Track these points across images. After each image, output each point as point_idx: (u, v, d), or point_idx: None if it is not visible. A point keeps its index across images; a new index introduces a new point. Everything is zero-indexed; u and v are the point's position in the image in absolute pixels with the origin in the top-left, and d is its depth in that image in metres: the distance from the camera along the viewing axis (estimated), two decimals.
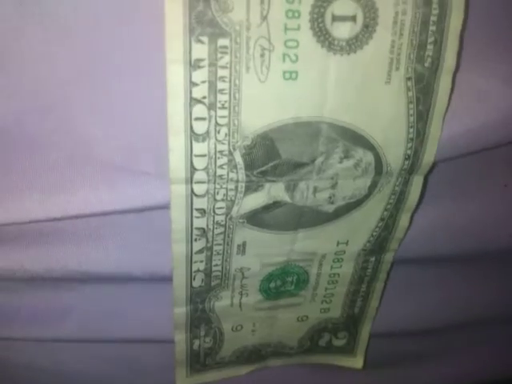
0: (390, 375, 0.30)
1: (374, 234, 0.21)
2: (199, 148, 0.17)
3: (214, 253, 0.20)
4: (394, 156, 0.18)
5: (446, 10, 0.16)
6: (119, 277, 0.22)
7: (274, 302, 0.23)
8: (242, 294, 0.22)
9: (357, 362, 0.27)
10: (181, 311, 0.22)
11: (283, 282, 0.23)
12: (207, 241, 0.20)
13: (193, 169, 0.17)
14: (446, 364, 0.31)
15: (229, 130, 0.17)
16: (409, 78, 0.17)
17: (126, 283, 0.23)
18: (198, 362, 0.25)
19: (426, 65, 0.17)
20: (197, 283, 0.21)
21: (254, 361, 0.26)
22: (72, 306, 0.24)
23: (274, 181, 0.18)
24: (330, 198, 0.19)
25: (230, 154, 0.17)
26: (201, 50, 0.15)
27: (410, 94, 0.17)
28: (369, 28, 0.16)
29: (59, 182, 0.18)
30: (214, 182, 0.18)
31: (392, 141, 0.18)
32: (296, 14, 0.16)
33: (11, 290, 0.23)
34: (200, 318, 0.23)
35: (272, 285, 0.23)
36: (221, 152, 0.17)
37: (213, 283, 0.21)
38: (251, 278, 0.22)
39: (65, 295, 0.23)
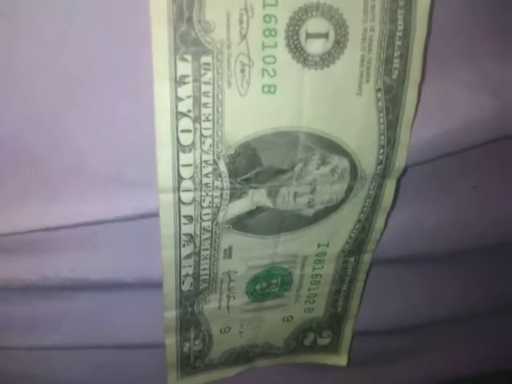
0: (376, 372, 0.31)
1: (352, 235, 0.23)
2: (185, 158, 0.18)
3: (202, 257, 0.21)
4: (368, 162, 0.20)
5: (411, 26, 0.18)
6: (111, 284, 0.23)
7: (260, 303, 0.25)
8: (229, 297, 0.24)
9: (341, 359, 0.28)
10: (171, 315, 0.23)
11: (268, 284, 0.24)
12: (195, 246, 0.21)
13: (180, 178, 0.18)
14: (429, 360, 0.32)
15: (213, 140, 0.18)
16: (378, 90, 0.19)
17: (118, 290, 0.23)
18: (189, 364, 0.26)
19: (394, 77, 0.19)
20: (186, 287, 0.22)
21: (243, 362, 0.27)
22: (65, 314, 0.24)
23: (256, 187, 0.19)
24: (310, 202, 0.21)
25: (215, 163, 0.18)
26: (185, 67, 0.17)
27: (380, 104, 0.19)
28: (340, 44, 0.18)
29: (53, 193, 0.19)
30: (200, 190, 0.19)
31: (365, 148, 0.19)
32: (273, 33, 0.17)
33: (4, 300, 0.23)
34: (189, 321, 0.24)
35: (258, 287, 0.24)
36: (206, 162, 0.18)
37: (201, 287, 0.22)
38: (238, 280, 0.23)
39: (58, 303, 0.24)
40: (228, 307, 0.24)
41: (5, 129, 0.18)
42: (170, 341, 0.24)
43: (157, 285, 0.22)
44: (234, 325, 0.25)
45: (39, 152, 0.19)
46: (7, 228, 0.19)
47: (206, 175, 0.19)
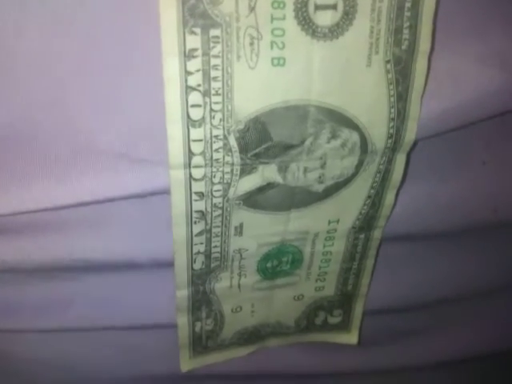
0: (387, 351, 0.31)
1: (363, 211, 0.23)
2: (196, 133, 0.18)
3: (213, 235, 0.21)
4: (378, 135, 0.20)
5: None
6: (123, 264, 0.23)
7: (271, 281, 0.25)
8: (240, 275, 0.24)
9: (351, 337, 0.28)
10: (183, 294, 0.23)
11: (279, 262, 0.24)
12: (206, 223, 0.21)
13: (190, 154, 0.18)
14: (442, 338, 0.32)
15: (223, 115, 0.18)
16: (388, 61, 0.18)
17: (129, 270, 0.24)
18: (200, 344, 0.26)
19: (403, 48, 0.18)
20: (197, 265, 0.22)
21: (254, 341, 0.27)
22: (76, 295, 0.24)
23: (267, 163, 0.19)
24: (320, 177, 0.20)
25: (225, 138, 0.18)
26: (194, 41, 0.17)
27: (390, 75, 0.19)
28: (349, 15, 0.17)
29: (63, 172, 0.19)
30: (211, 166, 0.19)
31: (375, 121, 0.19)
32: (281, 5, 0.17)
33: (14, 282, 0.24)
34: (201, 301, 0.24)
35: (269, 265, 0.24)
36: (216, 136, 0.18)
37: (212, 265, 0.22)
38: (249, 258, 0.23)
39: (68, 285, 0.24)
40: (239, 285, 0.24)
41: (13, 112, 0.18)
42: (182, 320, 0.24)
43: (168, 264, 0.22)
44: (246, 304, 0.25)
45: (48, 133, 0.19)
46: (17, 207, 0.19)
47: (217, 150, 0.19)
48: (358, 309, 0.27)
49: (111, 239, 0.22)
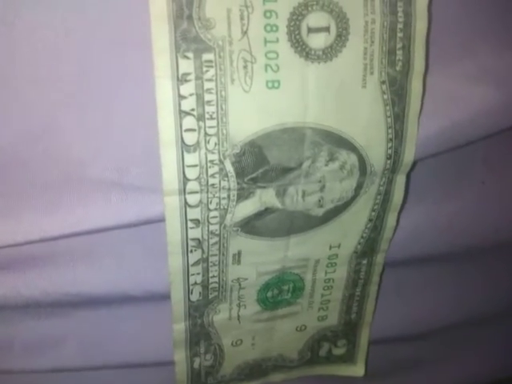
0: (393, 382, 0.30)
1: (364, 235, 0.22)
2: (190, 158, 0.18)
3: (210, 264, 0.20)
4: (377, 156, 0.19)
5: (411, 18, 0.18)
6: (115, 297, 0.22)
7: (272, 312, 0.24)
8: (239, 306, 0.23)
9: (358, 369, 0.27)
10: (180, 327, 0.22)
11: (280, 291, 0.23)
12: (203, 252, 0.20)
13: (185, 179, 0.18)
14: (449, 366, 0.31)
15: (218, 139, 0.18)
16: (383, 82, 0.18)
17: (122, 305, 0.23)
18: (199, 381, 0.25)
19: (398, 68, 0.18)
20: (194, 297, 0.21)
21: (256, 377, 0.26)
22: (67, 333, 0.23)
23: (264, 187, 0.19)
24: (319, 201, 0.20)
25: (221, 162, 0.18)
26: (187, 65, 0.16)
27: (386, 96, 0.19)
28: (342, 37, 0.17)
29: (53, 201, 0.19)
30: (207, 192, 0.18)
31: (373, 142, 0.19)
32: (274, 28, 0.17)
33: (5, 321, 0.23)
34: (199, 334, 0.23)
35: (269, 294, 0.23)
36: (212, 161, 0.18)
37: (210, 296, 0.22)
38: (248, 288, 0.22)
39: (60, 322, 0.23)
40: (239, 317, 0.23)
41: (2, 140, 0.18)
42: (180, 356, 0.23)
43: (164, 297, 0.21)
44: (246, 336, 0.24)
45: (38, 162, 0.18)
46: (5, 240, 0.19)
47: (213, 175, 0.18)
48: (364, 339, 0.26)
49: (103, 271, 0.21)
